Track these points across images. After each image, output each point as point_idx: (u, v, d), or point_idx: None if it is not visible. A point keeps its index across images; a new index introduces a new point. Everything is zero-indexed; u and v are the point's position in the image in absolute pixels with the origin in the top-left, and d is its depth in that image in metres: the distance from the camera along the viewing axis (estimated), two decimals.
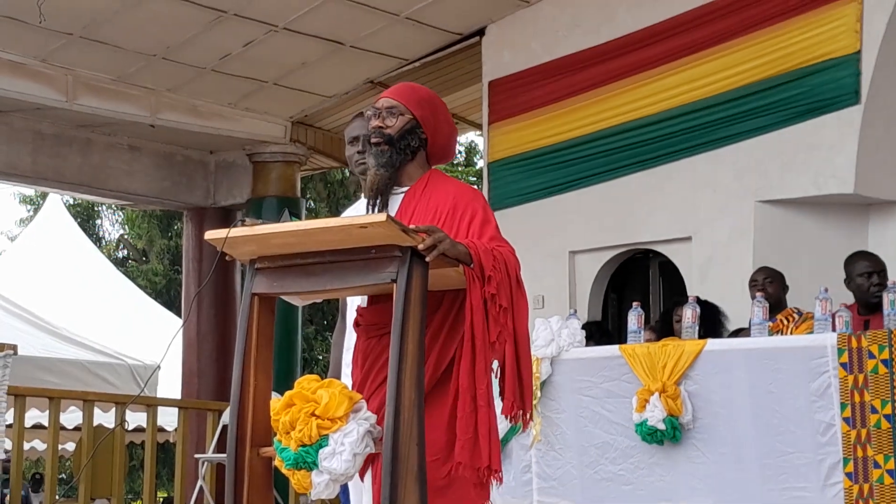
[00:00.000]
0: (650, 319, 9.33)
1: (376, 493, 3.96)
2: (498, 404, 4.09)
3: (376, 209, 4.28)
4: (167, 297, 25.08)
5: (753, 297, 7.07)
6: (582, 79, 10.49)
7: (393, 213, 4.25)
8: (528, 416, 4.13)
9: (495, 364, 4.08)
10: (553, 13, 10.78)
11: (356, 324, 4.29)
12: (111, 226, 30.24)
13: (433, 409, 4.00)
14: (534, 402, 6.89)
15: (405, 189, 4.35)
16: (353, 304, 4.63)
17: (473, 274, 4.01)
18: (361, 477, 4.12)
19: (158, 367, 10.88)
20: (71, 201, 24.84)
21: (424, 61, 11.74)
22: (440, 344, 4.11)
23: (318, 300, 4.75)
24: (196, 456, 10.52)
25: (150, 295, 20.47)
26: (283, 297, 4.31)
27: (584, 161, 10.42)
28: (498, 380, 4.08)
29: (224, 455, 4.11)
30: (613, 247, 10.41)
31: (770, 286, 7.80)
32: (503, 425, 6.76)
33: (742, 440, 6.51)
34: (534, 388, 6.71)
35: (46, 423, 10.23)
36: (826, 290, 6.68)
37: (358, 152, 4.78)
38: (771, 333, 7.01)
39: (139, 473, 14.92)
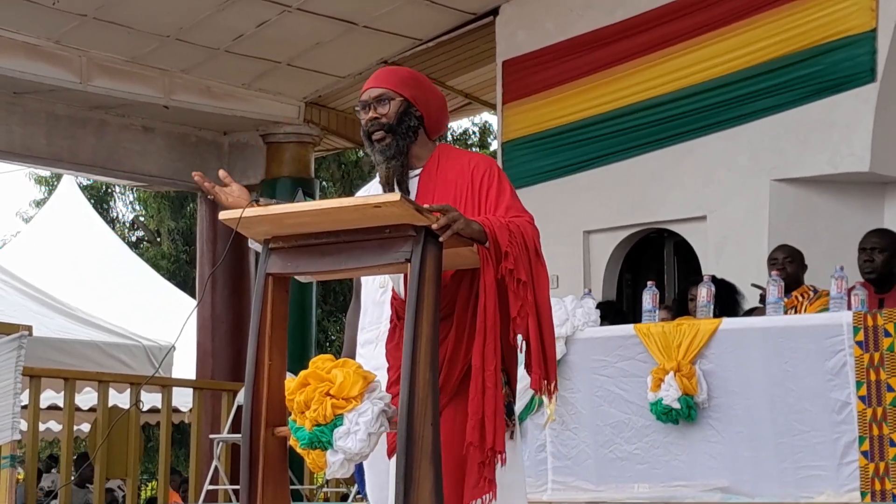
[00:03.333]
0: (665, 299, 9.31)
1: None
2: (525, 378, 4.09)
3: None
4: (180, 278, 25.11)
5: (770, 276, 7.05)
6: (596, 58, 10.46)
7: (412, 198, 4.23)
8: (552, 386, 4.10)
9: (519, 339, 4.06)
10: None
11: (397, 316, 4.25)
12: (125, 207, 30.29)
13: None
14: None
15: (418, 171, 4.31)
16: (368, 284, 4.62)
17: (487, 254, 3.99)
18: (389, 457, 4.12)
19: (173, 347, 10.91)
20: (85, 182, 24.86)
21: (438, 41, 11.71)
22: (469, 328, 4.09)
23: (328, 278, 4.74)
24: (211, 436, 10.54)
25: (163, 276, 20.50)
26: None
27: (599, 140, 10.40)
28: (524, 354, 4.07)
29: (239, 435, 4.11)
30: (628, 226, 10.40)
31: (790, 265, 7.78)
32: (519, 403, 6.81)
33: (757, 419, 6.50)
34: None
35: (62, 404, 10.26)
36: (842, 269, 6.67)
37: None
38: (786, 310, 6.99)
39: (155, 454, 14.95)
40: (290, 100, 12.59)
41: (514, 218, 4.10)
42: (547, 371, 4.07)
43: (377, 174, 4.79)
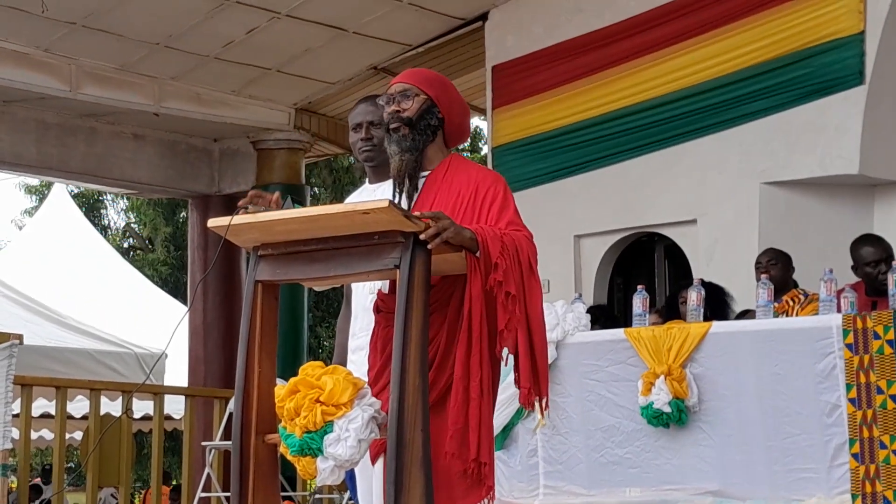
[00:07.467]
0: (656, 303, 9.32)
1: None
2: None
3: (404, 194, 4.24)
4: (172, 285, 25.09)
5: (758, 279, 7.06)
6: (586, 62, 10.47)
7: (415, 197, 4.24)
8: (544, 402, 4.10)
9: (505, 352, 4.05)
10: None
11: (377, 310, 4.26)
12: (116, 214, 30.27)
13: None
14: None
15: (426, 173, 4.31)
16: (358, 290, 4.62)
17: (475, 263, 3.98)
18: (373, 462, 4.12)
19: (165, 354, 10.88)
20: (75, 190, 24.84)
21: (428, 46, 11.72)
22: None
23: (325, 288, 4.73)
24: (203, 444, 10.53)
25: (155, 283, 20.48)
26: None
27: (589, 144, 10.41)
28: (513, 368, 4.06)
29: (230, 443, 4.11)
30: (619, 230, 10.40)
31: (773, 268, 7.79)
32: (510, 409, 6.82)
33: (748, 422, 6.50)
34: None
35: (54, 413, 10.24)
36: (831, 272, 6.67)
37: (361, 139, 4.74)
38: (776, 314, 7.00)
39: (148, 462, 14.94)
40: (280, 106, 12.59)
41: (512, 231, 4.10)
42: (539, 387, 4.06)
43: (367, 179, 4.80)
